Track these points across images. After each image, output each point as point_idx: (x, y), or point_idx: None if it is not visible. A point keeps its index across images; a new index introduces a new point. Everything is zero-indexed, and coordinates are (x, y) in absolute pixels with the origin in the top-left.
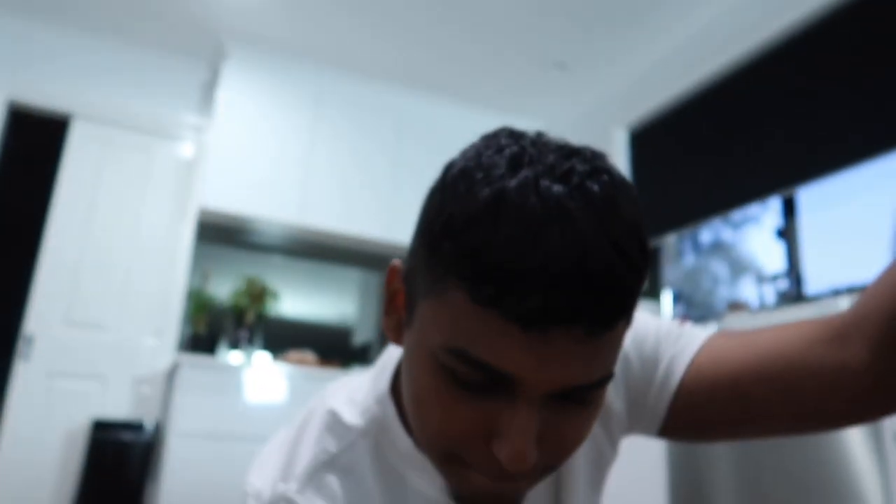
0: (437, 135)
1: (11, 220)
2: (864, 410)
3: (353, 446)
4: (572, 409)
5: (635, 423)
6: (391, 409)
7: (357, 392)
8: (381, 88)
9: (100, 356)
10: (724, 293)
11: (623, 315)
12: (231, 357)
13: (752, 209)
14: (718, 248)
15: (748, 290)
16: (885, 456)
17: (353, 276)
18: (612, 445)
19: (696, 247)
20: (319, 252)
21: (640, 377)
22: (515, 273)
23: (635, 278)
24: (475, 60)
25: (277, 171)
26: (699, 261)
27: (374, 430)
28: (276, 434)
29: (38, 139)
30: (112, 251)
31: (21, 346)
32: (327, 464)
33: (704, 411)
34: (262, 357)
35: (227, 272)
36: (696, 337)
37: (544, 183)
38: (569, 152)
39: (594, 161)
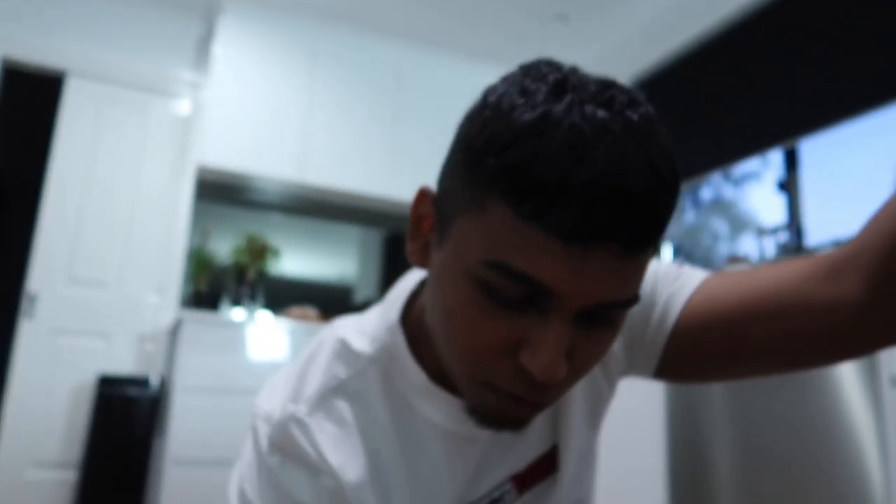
0: (437, 89)
1: (9, 178)
2: (858, 344)
3: (362, 373)
4: (598, 328)
5: (632, 364)
6: (401, 339)
7: (367, 324)
8: (380, 42)
9: (103, 314)
10: (723, 250)
11: (657, 236)
12: (233, 314)
13: (754, 165)
14: (719, 205)
15: (748, 245)
16: (880, 400)
17: (353, 234)
18: (610, 385)
19: (697, 203)
20: (319, 209)
21: (637, 318)
22: (560, 188)
23: (671, 202)
24: (475, 13)
25: (276, 128)
26: (699, 218)
27: (383, 358)
28: (285, 366)
29: (33, 97)
30: (112, 209)
31: (25, 304)
32: (336, 389)
33: (700, 350)
34: (263, 315)
35: (227, 230)
36: (692, 278)
37: (588, 107)
38: (607, 83)
39: (631, 93)
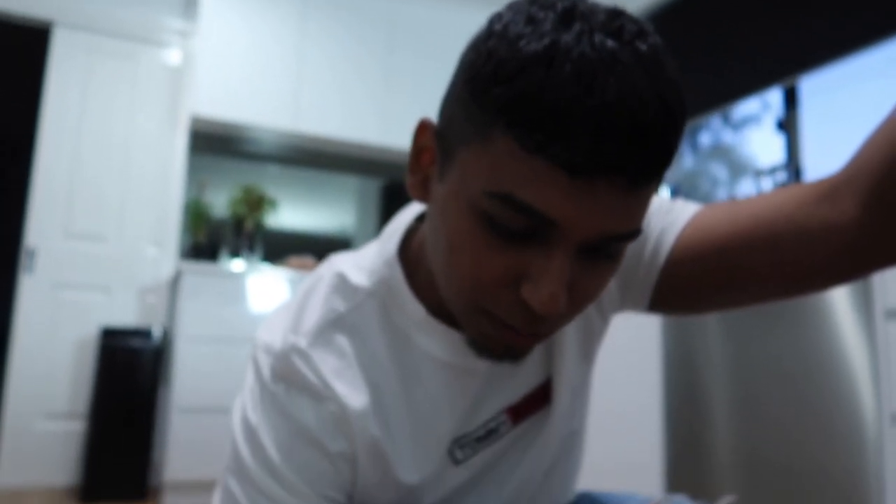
0: (433, 34)
1: (2, 132)
2: (853, 268)
3: (360, 307)
4: (599, 261)
5: (626, 298)
6: (399, 272)
7: (364, 258)
8: None
9: (103, 267)
10: (722, 194)
11: (663, 169)
12: (233, 265)
13: (754, 108)
14: (718, 149)
15: (747, 189)
16: (874, 333)
17: (351, 184)
18: (603, 320)
19: (696, 148)
20: (316, 160)
21: (630, 252)
22: (567, 119)
23: (677, 135)
24: None
25: (268, 76)
26: (698, 163)
27: (381, 292)
28: (283, 302)
29: (20, 49)
30: (106, 161)
31: (24, 259)
32: (335, 323)
33: (693, 281)
34: (262, 267)
35: (223, 182)
36: (685, 210)
37: (597, 37)
38: (617, 12)
39: (640, 23)
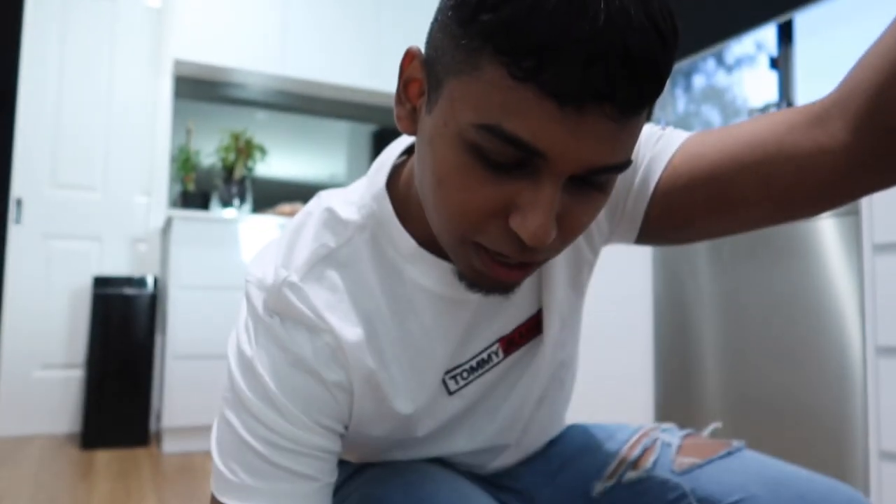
0: None
1: None
2: (843, 191)
3: (350, 241)
4: (588, 193)
5: (615, 229)
6: (388, 205)
7: (353, 193)
8: None
9: (93, 217)
10: None
11: (653, 98)
12: (224, 213)
13: (748, 48)
14: (711, 91)
15: None
16: (862, 266)
17: (341, 130)
18: (592, 251)
19: (689, 91)
20: (305, 105)
21: (619, 182)
22: (556, 45)
23: (670, 62)
24: None
25: (253, 16)
26: (691, 106)
27: (371, 226)
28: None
29: None
30: (89, 108)
31: (11, 209)
32: (326, 258)
33: (683, 208)
34: (253, 215)
35: (210, 129)
36: (674, 138)
37: None
38: None
39: None
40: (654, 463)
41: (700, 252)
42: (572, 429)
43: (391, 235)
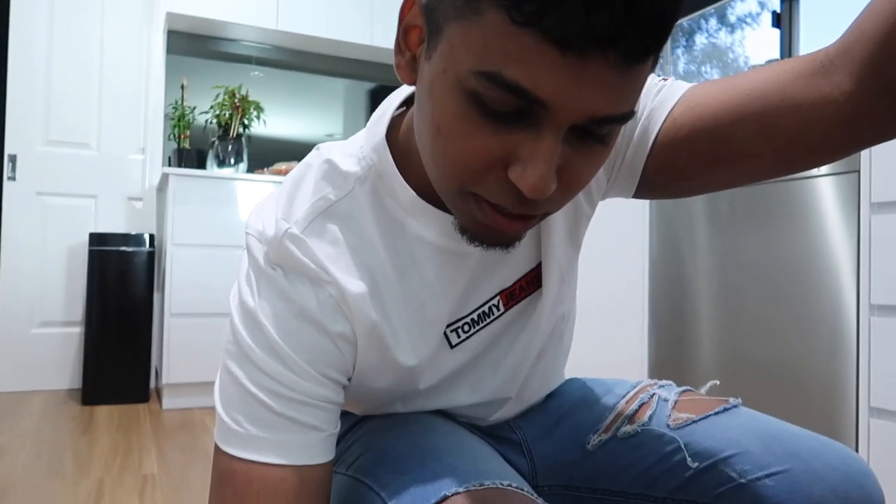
0: None
1: None
2: (845, 142)
3: (351, 194)
4: (590, 146)
5: (614, 182)
6: (388, 157)
7: (352, 145)
8: None
9: (88, 174)
10: None
11: (658, 46)
12: (220, 172)
13: (751, 5)
14: (713, 51)
15: None
16: (859, 227)
17: (337, 88)
18: (590, 204)
19: (690, 50)
20: (300, 62)
21: (618, 138)
22: None
23: (675, 10)
24: None
25: None
26: (692, 66)
27: (371, 178)
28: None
29: None
30: (80, 64)
31: (5, 166)
32: (327, 211)
33: (682, 161)
34: (250, 174)
35: (205, 88)
36: (675, 89)
37: None
38: None
39: None
40: (651, 418)
41: (697, 211)
42: (570, 383)
43: (392, 187)
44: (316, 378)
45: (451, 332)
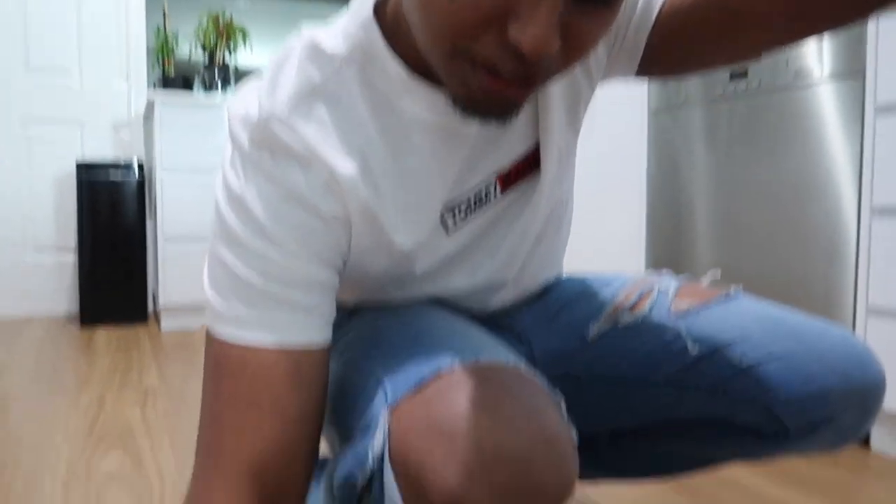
0: None
1: None
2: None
3: (338, 74)
4: (594, 7)
5: (614, 62)
6: (376, 33)
7: (338, 25)
8: None
9: (72, 102)
10: None
11: None
12: (206, 97)
13: None
14: None
15: None
16: (862, 130)
17: (326, 14)
18: (589, 84)
19: None
20: None
21: (620, 14)
22: None
23: None
24: None
25: None
26: None
27: (359, 57)
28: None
29: None
30: None
31: None
32: (312, 93)
33: (686, 34)
34: None
35: (189, 16)
36: None
37: None
38: None
39: None
40: (651, 307)
41: (695, 126)
42: (570, 278)
43: (381, 65)
44: (310, 259)
45: (448, 214)
